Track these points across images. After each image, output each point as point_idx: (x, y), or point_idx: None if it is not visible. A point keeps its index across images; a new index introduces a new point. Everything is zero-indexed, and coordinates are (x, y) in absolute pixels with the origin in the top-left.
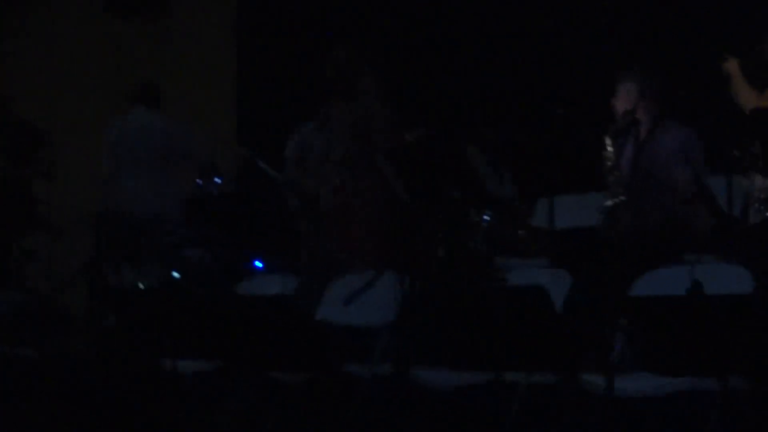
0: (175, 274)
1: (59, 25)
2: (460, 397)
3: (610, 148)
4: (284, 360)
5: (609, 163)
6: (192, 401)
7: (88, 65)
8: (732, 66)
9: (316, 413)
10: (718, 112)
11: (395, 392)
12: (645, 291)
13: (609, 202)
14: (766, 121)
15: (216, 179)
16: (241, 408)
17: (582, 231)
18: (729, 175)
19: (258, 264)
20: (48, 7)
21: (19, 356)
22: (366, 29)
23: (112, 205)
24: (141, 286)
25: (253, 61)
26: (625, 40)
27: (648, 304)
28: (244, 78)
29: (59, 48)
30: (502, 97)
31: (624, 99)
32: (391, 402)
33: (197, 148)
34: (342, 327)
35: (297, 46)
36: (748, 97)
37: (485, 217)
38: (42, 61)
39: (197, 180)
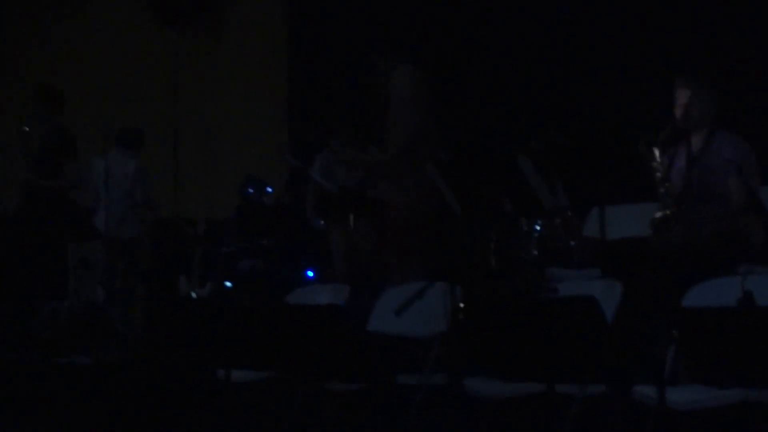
0: (228, 284)
1: (111, 38)
2: (513, 408)
3: (659, 159)
4: (336, 370)
5: (658, 175)
6: (244, 411)
7: (143, 77)
8: None
9: (368, 424)
10: None
11: (448, 403)
12: (696, 302)
13: (659, 214)
14: None
15: (267, 189)
16: (293, 418)
17: (634, 241)
18: None
19: (310, 274)
20: (101, 21)
21: (75, 364)
22: (417, 41)
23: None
24: (194, 295)
25: (304, 72)
26: (678, 50)
27: (699, 315)
28: (295, 89)
29: (112, 62)
30: (553, 106)
31: (678, 107)
32: (444, 412)
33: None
34: (393, 337)
35: (348, 58)
36: None
37: (537, 228)
38: (94, 73)
39: (249, 189)
